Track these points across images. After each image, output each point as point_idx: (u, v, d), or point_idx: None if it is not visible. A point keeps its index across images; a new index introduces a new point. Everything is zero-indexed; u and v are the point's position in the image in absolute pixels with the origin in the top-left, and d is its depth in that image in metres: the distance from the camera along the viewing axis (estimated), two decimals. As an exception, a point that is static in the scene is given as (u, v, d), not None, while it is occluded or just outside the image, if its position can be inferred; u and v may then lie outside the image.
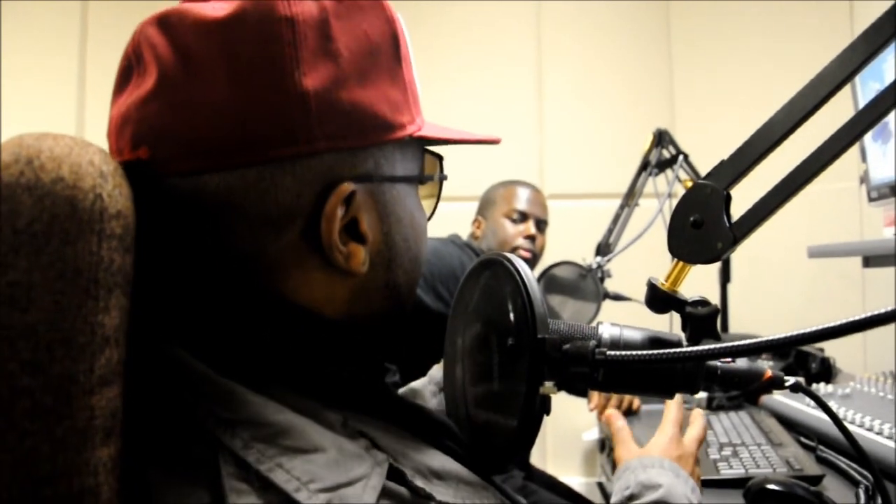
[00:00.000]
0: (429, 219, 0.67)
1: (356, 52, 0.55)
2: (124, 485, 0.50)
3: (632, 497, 0.81)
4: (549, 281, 1.94)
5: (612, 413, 1.02)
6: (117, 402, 0.49)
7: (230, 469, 0.46)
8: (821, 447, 1.23)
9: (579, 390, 0.57)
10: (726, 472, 1.13)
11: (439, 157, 0.67)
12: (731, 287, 2.28)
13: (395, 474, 0.50)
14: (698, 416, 0.97)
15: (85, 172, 0.46)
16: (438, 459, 0.57)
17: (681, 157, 2.00)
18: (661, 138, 2.03)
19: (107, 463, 0.47)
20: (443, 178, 0.68)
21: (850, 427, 1.19)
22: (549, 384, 0.54)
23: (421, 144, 0.64)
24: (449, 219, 2.24)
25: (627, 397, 1.72)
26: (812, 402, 1.16)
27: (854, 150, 1.67)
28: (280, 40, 0.51)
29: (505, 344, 0.56)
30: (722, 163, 0.59)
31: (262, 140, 0.51)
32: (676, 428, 0.93)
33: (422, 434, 0.60)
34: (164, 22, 0.53)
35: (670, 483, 0.81)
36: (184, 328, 0.54)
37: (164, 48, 0.52)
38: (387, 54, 0.58)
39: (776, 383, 0.60)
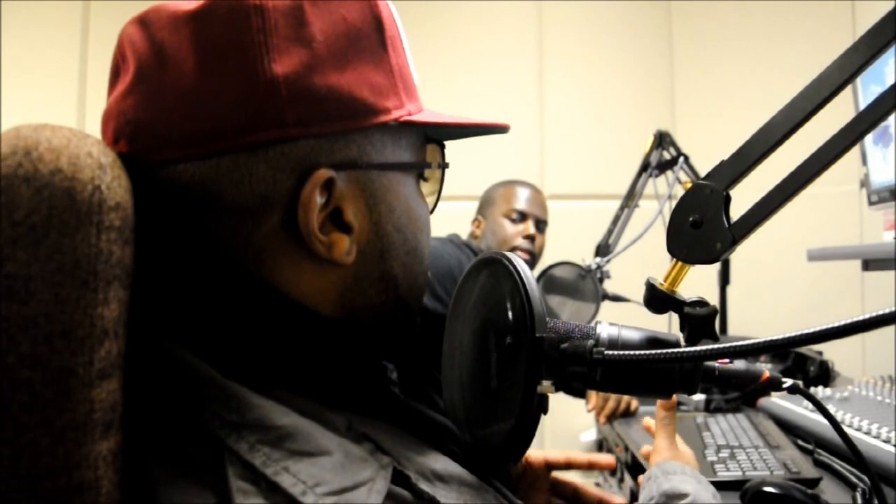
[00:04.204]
0: (431, 211, 0.66)
1: (332, 36, 0.54)
2: (127, 480, 0.49)
3: None
4: (549, 281, 1.94)
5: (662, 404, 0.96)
6: (117, 396, 0.48)
7: (236, 471, 0.46)
8: (818, 450, 1.23)
9: (577, 390, 0.57)
10: (723, 474, 1.13)
11: (441, 145, 0.66)
12: (730, 289, 2.28)
13: (399, 478, 0.50)
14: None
15: (83, 164, 0.46)
16: (441, 462, 0.57)
17: (681, 159, 1.99)
18: (662, 140, 2.03)
19: (107, 456, 0.47)
20: (443, 165, 0.66)
21: (848, 430, 1.19)
22: (546, 383, 0.54)
23: (419, 132, 0.63)
24: (448, 218, 2.24)
25: (625, 398, 1.72)
26: (810, 405, 1.16)
27: (855, 154, 1.68)
28: (249, 29, 0.51)
29: (503, 343, 0.56)
30: (722, 163, 0.59)
31: (233, 128, 0.51)
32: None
33: (424, 437, 0.60)
34: (143, 20, 0.54)
35: (695, 490, 0.80)
36: (185, 324, 0.54)
37: (141, 44, 0.54)
38: (369, 39, 0.57)
39: (774, 385, 0.60)
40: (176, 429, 0.50)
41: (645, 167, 2.03)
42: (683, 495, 0.79)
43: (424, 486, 0.51)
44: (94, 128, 0.57)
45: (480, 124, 0.67)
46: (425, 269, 0.64)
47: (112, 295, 0.47)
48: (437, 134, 0.66)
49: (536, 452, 1.03)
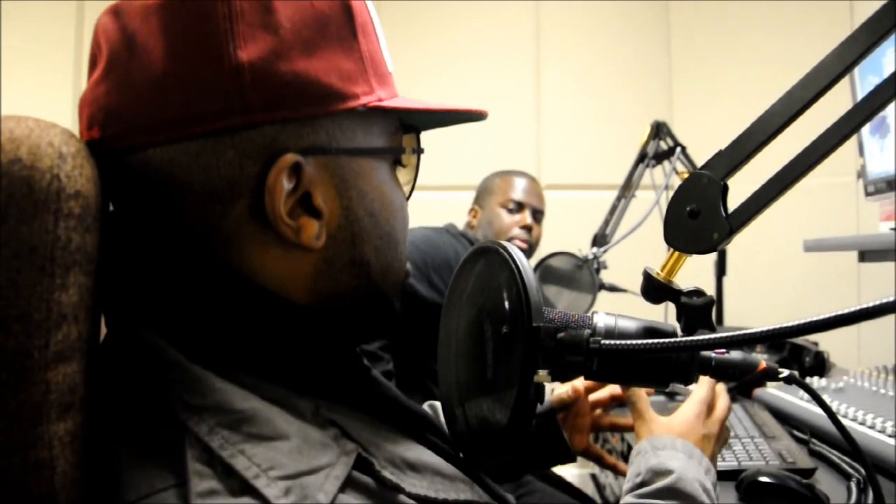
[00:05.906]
0: (407, 197, 0.66)
1: (300, 23, 0.54)
2: (92, 461, 0.50)
3: (642, 484, 0.78)
4: (545, 271, 1.94)
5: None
6: (77, 378, 0.49)
7: (195, 453, 0.47)
8: (813, 440, 1.23)
9: (573, 380, 0.57)
10: (719, 465, 1.12)
11: (416, 131, 0.66)
12: (726, 280, 2.28)
13: (363, 464, 0.50)
14: (722, 394, 0.92)
15: (43, 153, 0.48)
16: (415, 451, 0.57)
17: (678, 149, 1.99)
18: (659, 130, 2.02)
19: (63, 437, 0.48)
20: (418, 151, 0.66)
21: (843, 421, 1.19)
22: (543, 373, 0.54)
23: (394, 119, 0.63)
24: (445, 208, 2.24)
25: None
26: (805, 396, 1.16)
27: (851, 145, 1.68)
28: (215, 16, 0.52)
29: (499, 332, 0.56)
30: (719, 153, 0.58)
31: (200, 114, 0.52)
32: (703, 406, 0.87)
33: (401, 426, 0.60)
34: (117, 10, 0.55)
35: (682, 466, 0.78)
36: (157, 309, 0.55)
37: (114, 33, 0.55)
38: (338, 26, 0.57)
39: (770, 375, 0.60)
40: (143, 411, 0.51)
41: (642, 157, 2.03)
42: (668, 472, 0.77)
43: (389, 473, 0.51)
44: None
45: (453, 110, 0.66)
46: (400, 255, 0.64)
47: (71, 280, 0.49)
48: (417, 121, 0.65)
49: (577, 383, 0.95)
